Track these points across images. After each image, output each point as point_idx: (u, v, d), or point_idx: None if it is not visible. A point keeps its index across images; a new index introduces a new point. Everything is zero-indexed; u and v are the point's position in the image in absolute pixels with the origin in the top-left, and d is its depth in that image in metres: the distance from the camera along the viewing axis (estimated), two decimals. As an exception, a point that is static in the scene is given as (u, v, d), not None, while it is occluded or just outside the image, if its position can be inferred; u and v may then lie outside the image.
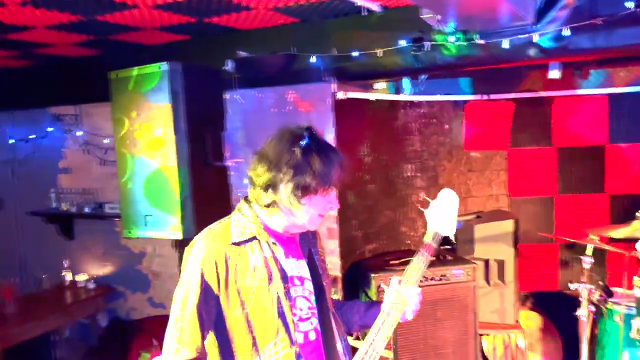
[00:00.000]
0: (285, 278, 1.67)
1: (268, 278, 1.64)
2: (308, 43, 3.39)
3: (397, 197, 4.25)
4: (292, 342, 1.64)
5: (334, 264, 3.63)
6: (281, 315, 1.64)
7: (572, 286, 3.48)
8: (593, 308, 3.45)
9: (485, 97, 4.38)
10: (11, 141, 5.11)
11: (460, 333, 3.57)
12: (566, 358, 4.18)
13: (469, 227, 4.09)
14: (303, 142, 1.60)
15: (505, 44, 2.75)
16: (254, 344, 1.63)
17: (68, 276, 4.65)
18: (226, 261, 1.61)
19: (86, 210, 4.55)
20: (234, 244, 1.64)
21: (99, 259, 4.79)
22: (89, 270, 4.76)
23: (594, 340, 3.56)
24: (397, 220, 4.24)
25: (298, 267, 1.73)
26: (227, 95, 3.77)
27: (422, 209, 1.84)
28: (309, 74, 3.44)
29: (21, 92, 4.93)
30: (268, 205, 1.65)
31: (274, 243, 1.68)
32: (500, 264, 4.11)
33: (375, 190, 4.00)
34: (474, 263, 3.60)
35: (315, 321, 1.73)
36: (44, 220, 4.86)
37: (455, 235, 1.85)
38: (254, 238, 1.66)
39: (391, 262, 3.58)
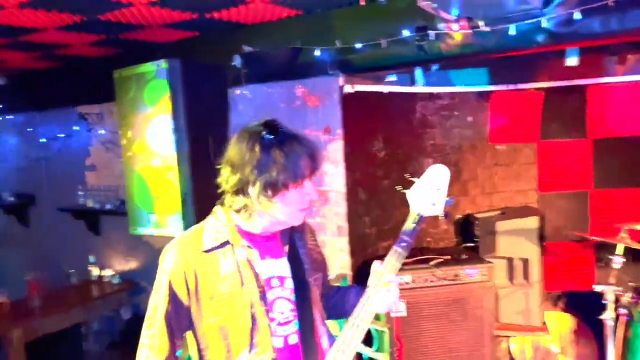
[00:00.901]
0: (259, 282, 1.60)
1: (240, 283, 1.58)
2: (313, 36, 3.30)
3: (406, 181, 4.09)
4: (269, 348, 1.58)
5: (344, 262, 3.54)
6: (255, 321, 1.58)
7: (598, 288, 3.27)
8: (625, 310, 3.25)
9: (512, 86, 4.15)
10: (42, 140, 5.30)
11: (476, 335, 3.41)
12: (602, 362, 3.93)
13: (492, 224, 3.91)
14: (263, 138, 1.52)
15: (512, 30, 2.57)
16: (228, 351, 1.58)
17: (94, 271, 4.77)
18: (195, 271, 1.56)
19: (108, 207, 4.65)
20: (205, 251, 1.58)
21: (123, 255, 4.90)
22: (114, 266, 4.88)
23: (626, 344, 3.34)
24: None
25: (277, 267, 1.65)
26: (236, 91, 3.75)
27: (403, 191, 1.69)
28: (316, 67, 3.36)
29: (50, 93, 5.10)
30: (239, 210, 1.57)
31: (248, 246, 1.61)
32: (525, 262, 3.91)
33: (390, 185, 3.87)
34: (490, 262, 3.43)
35: (297, 324, 1.66)
36: (72, 216, 5.01)
37: (445, 213, 1.67)
38: (227, 243, 1.60)
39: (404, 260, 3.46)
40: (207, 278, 1.57)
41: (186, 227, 3.01)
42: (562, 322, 4.24)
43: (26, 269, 4.66)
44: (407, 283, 3.24)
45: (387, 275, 1.63)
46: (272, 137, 1.53)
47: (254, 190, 1.52)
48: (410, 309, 3.28)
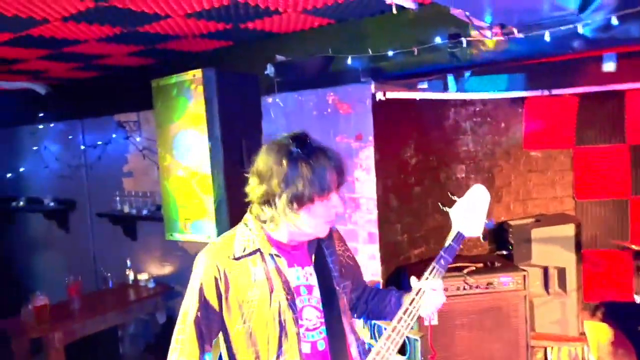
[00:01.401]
0: (289, 289, 1.63)
1: (269, 291, 1.61)
2: (345, 44, 3.33)
3: (449, 199, 4.06)
4: (297, 355, 1.60)
5: (375, 269, 3.54)
6: (283, 328, 1.60)
7: (638, 298, 3.20)
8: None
9: (546, 92, 4.09)
10: (82, 147, 5.46)
11: (511, 345, 3.37)
12: (642, 375, 3.82)
13: (526, 232, 3.85)
14: (291, 152, 1.54)
15: (547, 36, 2.53)
16: (257, 358, 1.61)
17: (131, 275, 4.88)
18: (226, 276, 1.60)
19: (144, 212, 4.76)
20: (236, 258, 1.62)
21: (159, 259, 5.00)
22: (149, 270, 4.98)
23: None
24: (448, 224, 4.05)
25: (305, 275, 1.68)
26: (269, 99, 3.81)
27: (445, 209, 1.73)
28: (347, 75, 3.38)
29: (90, 102, 5.27)
30: (265, 221, 1.61)
31: (277, 255, 1.64)
32: (561, 271, 3.84)
33: (422, 192, 3.86)
34: (524, 270, 3.37)
35: (324, 330, 1.67)
36: (110, 222, 5.15)
37: (484, 235, 1.71)
38: (257, 251, 1.64)
39: (436, 268, 3.43)
40: (237, 284, 1.60)
41: (220, 233, 3.06)
42: (600, 333, 4.13)
43: (66, 271, 4.81)
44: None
45: (431, 282, 1.66)
46: (299, 150, 1.55)
47: (280, 202, 1.54)
48: (443, 318, 3.26)
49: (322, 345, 1.66)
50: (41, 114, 5.69)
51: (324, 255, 1.75)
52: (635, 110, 4.06)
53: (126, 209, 4.96)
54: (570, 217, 4.13)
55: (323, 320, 1.68)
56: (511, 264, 3.61)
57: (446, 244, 1.67)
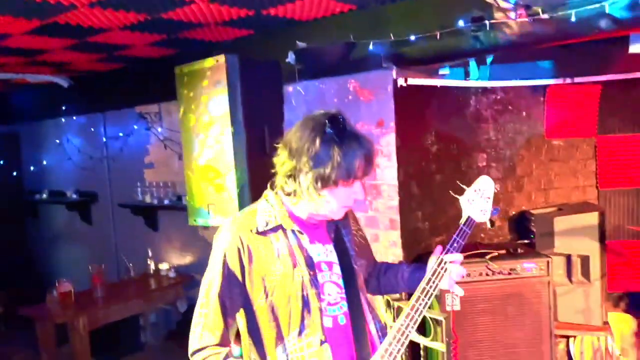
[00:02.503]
0: (311, 265, 1.64)
1: (292, 266, 1.61)
2: (366, 30, 3.33)
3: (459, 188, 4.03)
4: (319, 330, 1.60)
5: (396, 256, 3.54)
6: (306, 303, 1.60)
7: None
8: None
9: (568, 80, 4.05)
10: (104, 139, 5.54)
11: (534, 332, 3.33)
12: (665, 367, 3.77)
13: (549, 221, 3.81)
14: (325, 132, 1.54)
15: (573, 16, 2.51)
16: (278, 332, 1.61)
17: (152, 265, 4.94)
18: (250, 249, 1.60)
19: (166, 202, 4.81)
20: (258, 232, 1.62)
21: (179, 249, 5.05)
22: (170, 260, 5.04)
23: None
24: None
25: (325, 252, 1.69)
26: (289, 88, 3.82)
27: (456, 196, 1.82)
28: (369, 61, 3.38)
29: (112, 94, 5.34)
30: (289, 194, 1.62)
31: (299, 231, 1.65)
32: (585, 260, 3.80)
33: (443, 180, 3.84)
34: (548, 257, 3.34)
35: (345, 305, 1.68)
36: (132, 212, 5.21)
37: (491, 221, 1.83)
38: (279, 227, 1.64)
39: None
40: (260, 257, 1.60)
41: (243, 218, 3.09)
42: (623, 324, 4.07)
43: (89, 262, 4.88)
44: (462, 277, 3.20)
45: (450, 255, 1.68)
46: (333, 132, 1.54)
47: (305, 179, 1.55)
48: (465, 303, 3.24)
49: (342, 320, 1.67)
50: (64, 107, 5.79)
51: (342, 234, 1.77)
52: (659, 98, 4.01)
53: (147, 200, 5.02)
54: (593, 206, 4.08)
55: (344, 295, 1.69)
56: (534, 251, 3.58)
57: (459, 228, 1.74)
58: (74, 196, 5.90)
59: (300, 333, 1.60)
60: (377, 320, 1.79)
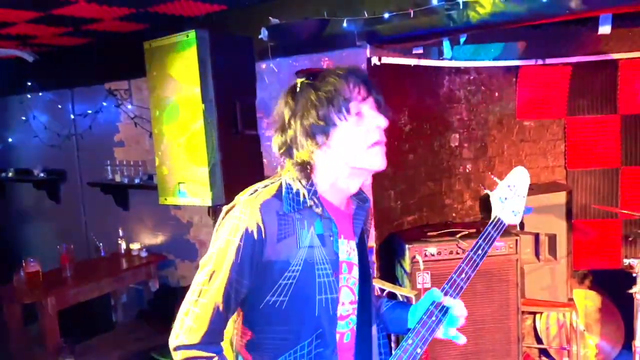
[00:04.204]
0: (335, 263, 1.36)
1: (315, 262, 1.33)
2: (340, 7, 3.29)
3: (442, 168, 4.09)
4: (332, 340, 1.37)
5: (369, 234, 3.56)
6: (324, 309, 1.34)
7: (627, 261, 3.26)
8: (654, 286, 3.22)
9: (540, 61, 4.10)
10: (72, 116, 5.40)
11: (502, 309, 3.41)
12: (628, 340, 3.90)
13: (518, 200, 3.87)
14: (294, 86, 1.38)
15: (544, -4, 2.53)
16: (286, 339, 1.35)
17: (123, 244, 4.87)
18: (271, 234, 1.30)
19: (136, 181, 4.74)
20: (283, 214, 1.32)
21: (151, 229, 4.99)
22: (142, 239, 4.98)
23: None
24: (441, 192, 4.09)
25: (348, 251, 1.41)
26: (263, 65, 3.77)
27: (487, 192, 1.56)
28: (343, 39, 3.34)
29: (80, 70, 5.19)
30: (304, 168, 1.36)
31: (329, 219, 1.37)
32: (552, 238, 3.89)
33: (416, 160, 3.87)
34: (517, 235, 3.40)
35: (354, 320, 1.43)
36: (102, 191, 5.12)
37: (522, 223, 1.57)
38: (309, 210, 1.35)
39: (428, 234, 3.46)
40: (280, 246, 1.31)
41: (214, 197, 3.06)
42: (588, 300, 4.21)
43: (57, 242, 4.79)
44: (432, 255, 3.25)
45: (450, 300, 1.47)
46: (304, 82, 1.36)
47: (301, 140, 1.33)
48: (435, 281, 3.29)
49: (347, 337, 1.42)
50: (29, 83, 5.60)
51: (363, 230, 1.48)
52: (628, 80, 4.07)
53: (118, 178, 4.93)
54: (561, 185, 4.17)
55: (356, 306, 1.43)
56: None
57: (484, 232, 1.45)
58: (42, 174, 5.75)
59: (312, 342, 1.34)
60: (383, 335, 1.57)
